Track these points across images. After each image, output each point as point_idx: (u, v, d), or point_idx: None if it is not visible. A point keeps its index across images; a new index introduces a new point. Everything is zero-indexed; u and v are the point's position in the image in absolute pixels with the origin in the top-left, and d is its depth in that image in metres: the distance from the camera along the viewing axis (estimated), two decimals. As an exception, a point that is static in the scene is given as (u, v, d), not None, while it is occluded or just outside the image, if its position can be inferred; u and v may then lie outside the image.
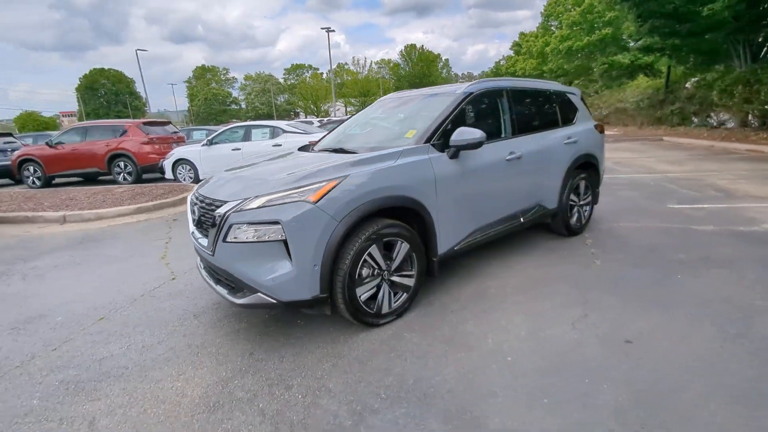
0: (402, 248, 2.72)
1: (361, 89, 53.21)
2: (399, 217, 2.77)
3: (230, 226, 2.38)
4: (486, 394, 2.04)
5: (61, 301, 3.43)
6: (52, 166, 10.46)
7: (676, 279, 3.20)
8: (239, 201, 2.42)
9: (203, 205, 2.73)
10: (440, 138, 2.99)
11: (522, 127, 3.66)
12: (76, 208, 6.89)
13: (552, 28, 25.10)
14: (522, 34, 33.31)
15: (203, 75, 73.85)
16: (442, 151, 2.97)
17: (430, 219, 2.86)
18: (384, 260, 2.65)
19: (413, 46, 54.17)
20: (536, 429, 1.80)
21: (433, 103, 3.33)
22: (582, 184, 4.27)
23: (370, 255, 2.55)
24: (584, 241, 4.17)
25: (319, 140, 4.02)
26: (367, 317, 2.63)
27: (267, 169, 2.91)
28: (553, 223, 4.23)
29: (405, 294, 2.83)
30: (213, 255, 2.53)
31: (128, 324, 2.97)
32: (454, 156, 2.98)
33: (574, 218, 4.27)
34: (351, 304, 2.53)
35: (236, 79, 77.23)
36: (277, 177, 2.59)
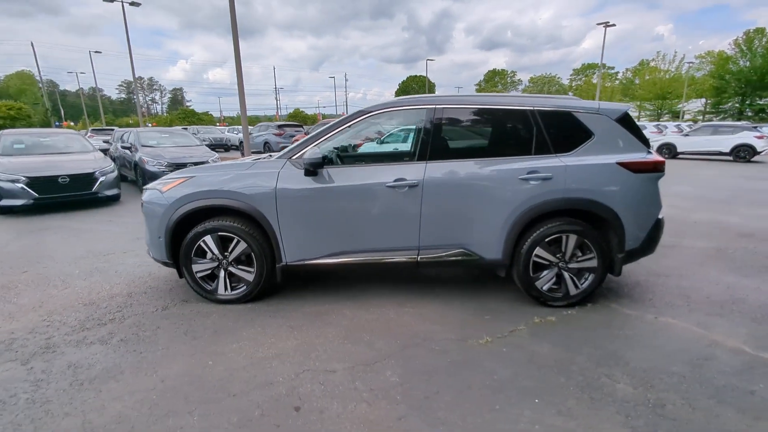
0: (239, 245, 3.13)
1: (659, 91, 42.75)
2: (251, 218, 3.15)
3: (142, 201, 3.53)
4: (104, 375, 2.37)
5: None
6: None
7: (527, 403, 2.07)
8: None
9: None
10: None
11: (441, 153, 3.02)
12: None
13: None
14: None
15: (492, 78, 79.37)
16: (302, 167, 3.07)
17: (270, 227, 3.07)
18: (220, 251, 3.15)
19: (760, 30, 37.71)
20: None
21: (337, 121, 3.32)
22: (570, 239, 2.97)
23: (204, 242, 3.13)
24: (539, 318, 2.96)
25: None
26: (202, 291, 3.25)
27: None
28: (516, 280, 3.19)
29: (245, 286, 3.22)
30: None
31: (160, 252, 4.66)
32: (310, 173, 3.02)
33: (548, 283, 3.05)
34: (190, 276, 3.22)
35: (521, 81, 78.67)
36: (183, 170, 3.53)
